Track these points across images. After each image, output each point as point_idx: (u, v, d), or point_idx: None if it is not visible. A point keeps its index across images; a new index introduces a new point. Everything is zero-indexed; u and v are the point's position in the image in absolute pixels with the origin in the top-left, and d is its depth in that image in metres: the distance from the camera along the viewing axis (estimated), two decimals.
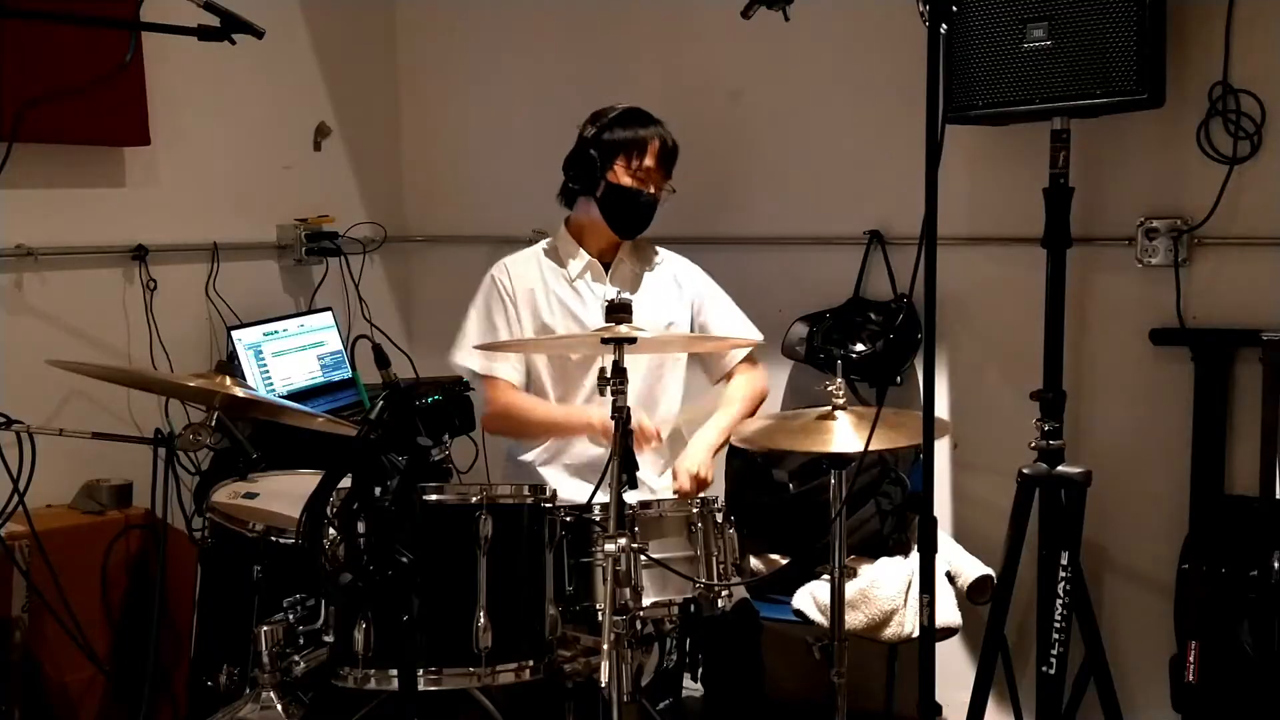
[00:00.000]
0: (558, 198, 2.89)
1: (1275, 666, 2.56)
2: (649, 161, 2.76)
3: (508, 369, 2.81)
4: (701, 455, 2.67)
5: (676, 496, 2.59)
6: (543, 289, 2.84)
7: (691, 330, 2.91)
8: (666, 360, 2.88)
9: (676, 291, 2.92)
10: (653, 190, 2.77)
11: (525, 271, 2.87)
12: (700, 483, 2.62)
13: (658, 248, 2.98)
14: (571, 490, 2.67)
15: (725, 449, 2.80)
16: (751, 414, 2.85)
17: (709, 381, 2.97)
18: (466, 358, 2.82)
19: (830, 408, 2.46)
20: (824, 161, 3.30)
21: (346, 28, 3.76)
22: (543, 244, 2.94)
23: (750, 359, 2.93)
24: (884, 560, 2.90)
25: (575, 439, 2.82)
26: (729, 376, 2.91)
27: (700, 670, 2.60)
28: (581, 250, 2.86)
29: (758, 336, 2.89)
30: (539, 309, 2.83)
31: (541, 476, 2.80)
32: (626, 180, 2.75)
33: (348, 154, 3.78)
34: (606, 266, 2.87)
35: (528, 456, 2.87)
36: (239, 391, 2.41)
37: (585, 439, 2.80)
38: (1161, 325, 2.88)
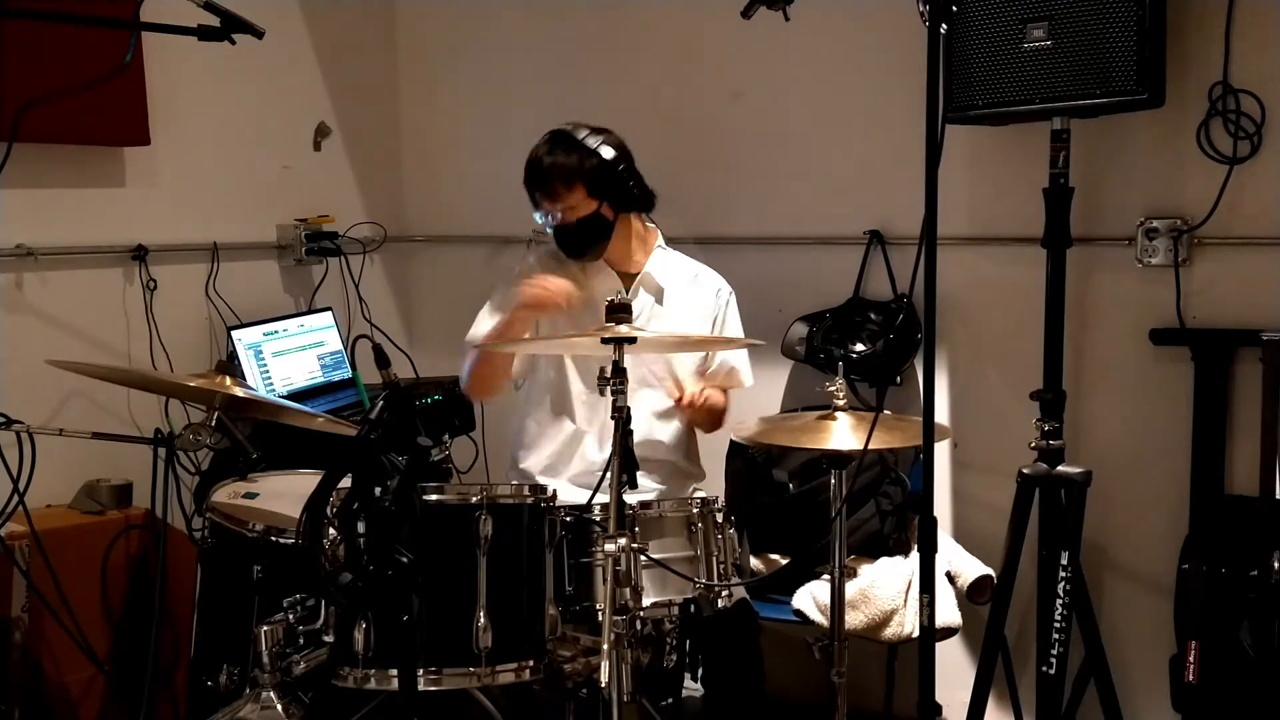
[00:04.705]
0: None
1: (1275, 666, 2.56)
2: (535, 200, 2.71)
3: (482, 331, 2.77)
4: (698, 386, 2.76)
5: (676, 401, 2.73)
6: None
7: (704, 361, 2.87)
8: (649, 378, 2.82)
9: (698, 312, 2.85)
10: (556, 220, 2.69)
11: (550, 273, 2.84)
12: (693, 400, 2.70)
13: (692, 263, 2.91)
14: (575, 499, 2.65)
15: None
16: (714, 418, 2.85)
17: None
18: (469, 335, 2.80)
19: (830, 408, 2.47)
20: (824, 161, 3.30)
21: (346, 28, 3.76)
22: None
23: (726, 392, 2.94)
24: (884, 560, 2.90)
25: (578, 448, 2.80)
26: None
27: (700, 670, 2.60)
28: (606, 265, 2.81)
29: (748, 380, 2.91)
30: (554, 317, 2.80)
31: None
32: (538, 221, 2.73)
33: (348, 154, 3.78)
34: (631, 280, 2.81)
35: (529, 465, 2.86)
36: (239, 391, 2.41)
37: (586, 450, 2.79)
38: (1161, 325, 2.88)
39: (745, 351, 2.92)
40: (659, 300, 2.81)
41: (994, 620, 2.69)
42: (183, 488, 2.69)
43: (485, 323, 2.80)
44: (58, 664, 2.58)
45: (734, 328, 2.91)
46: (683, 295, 2.85)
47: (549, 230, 2.73)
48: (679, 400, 2.73)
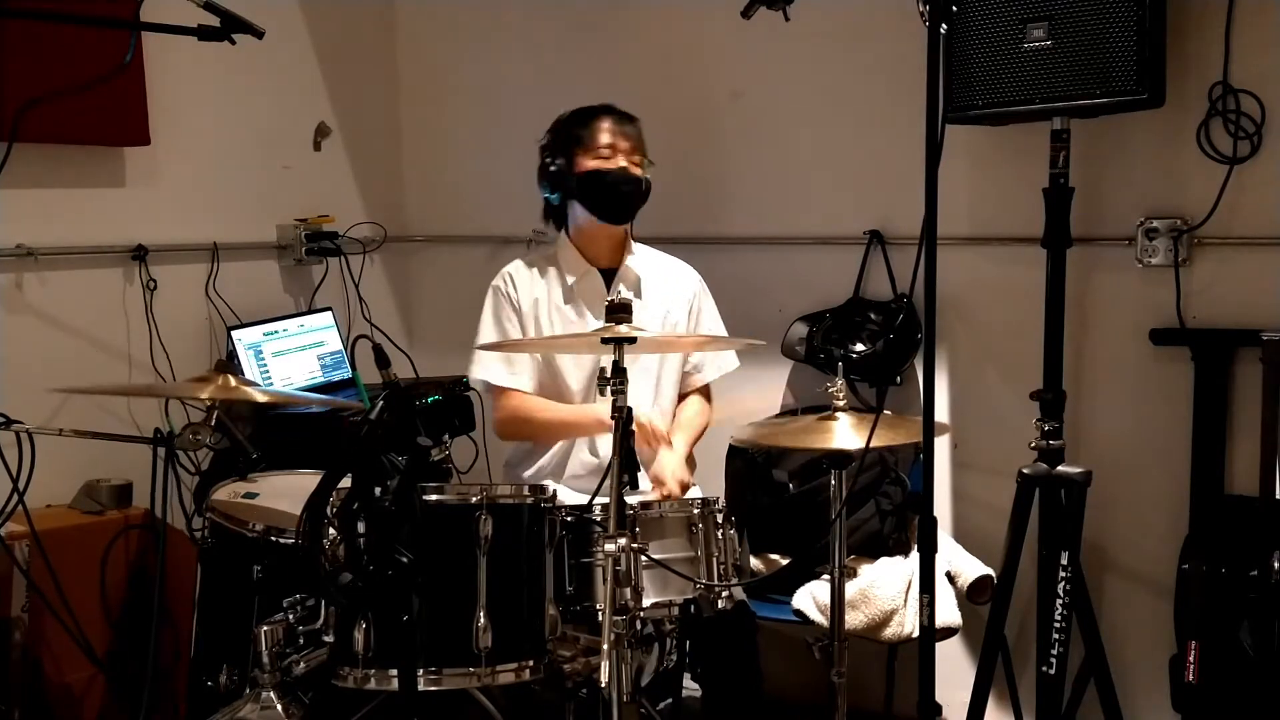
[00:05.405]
0: (545, 221, 2.91)
1: (1275, 666, 2.56)
2: (605, 138, 2.74)
3: (525, 380, 2.80)
4: (681, 463, 2.70)
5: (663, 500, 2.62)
6: (545, 301, 2.83)
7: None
8: (664, 367, 2.86)
9: (675, 302, 2.89)
10: (622, 164, 2.73)
11: (528, 281, 2.85)
12: (684, 487, 2.64)
13: (663, 255, 2.95)
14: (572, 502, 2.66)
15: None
16: (696, 440, 2.88)
17: None
18: (484, 370, 2.81)
19: (831, 408, 2.46)
20: (824, 161, 3.30)
21: (346, 28, 3.76)
22: (546, 252, 2.91)
23: (706, 391, 2.96)
24: (884, 560, 2.90)
25: (574, 454, 2.82)
26: (683, 397, 2.93)
27: (697, 670, 2.60)
28: (584, 262, 2.83)
29: (734, 364, 2.94)
30: (540, 322, 2.82)
31: None
32: (591, 164, 2.74)
33: (348, 154, 3.78)
34: (609, 275, 2.84)
35: (527, 473, 2.87)
36: (239, 389, 2.41)
37: (585, 452, 2.81)
38: (1161, 325, 2.88)
39: (725, 336, 2.96)
40: (637, 294, 2.83)
41: (994, 620, 2.69)
42: (183, 488, 2.69)
43: (489, 332, 2.82)
44: (58, 664, 2.58)
45: (711, 313, 2.95)
46: (658, 286, 2.88)
47: (602, 170, 2.73)
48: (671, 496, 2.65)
